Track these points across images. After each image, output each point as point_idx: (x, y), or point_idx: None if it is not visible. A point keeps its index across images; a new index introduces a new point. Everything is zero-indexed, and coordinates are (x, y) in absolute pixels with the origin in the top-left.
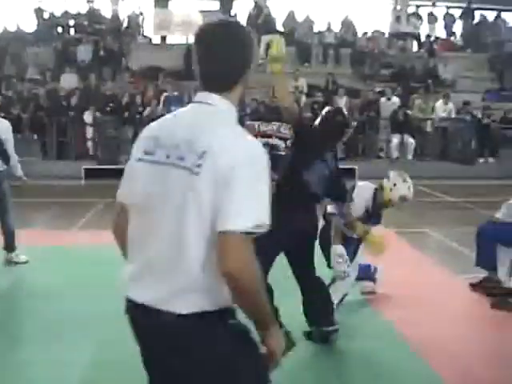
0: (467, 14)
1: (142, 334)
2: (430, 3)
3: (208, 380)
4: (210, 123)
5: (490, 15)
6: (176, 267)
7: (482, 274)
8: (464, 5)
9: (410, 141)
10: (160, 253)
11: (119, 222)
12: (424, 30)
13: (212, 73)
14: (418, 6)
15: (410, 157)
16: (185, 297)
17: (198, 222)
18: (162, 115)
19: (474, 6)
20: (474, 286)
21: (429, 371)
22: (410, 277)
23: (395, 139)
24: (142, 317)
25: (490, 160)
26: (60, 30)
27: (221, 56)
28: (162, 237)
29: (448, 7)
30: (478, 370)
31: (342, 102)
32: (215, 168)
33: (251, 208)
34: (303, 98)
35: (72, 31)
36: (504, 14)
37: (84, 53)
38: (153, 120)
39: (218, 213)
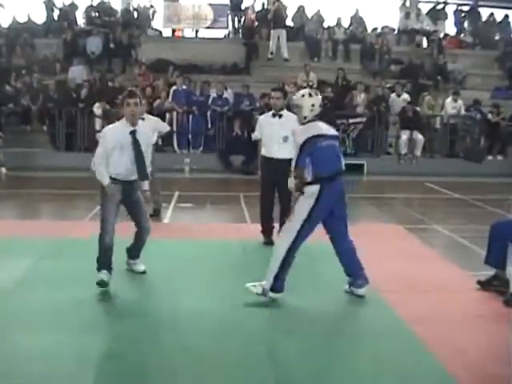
0: (474, 12)
1: None
2: (442, 1)
3: None
4: None
5: (499, 13)
6: None
7: (490, 271)
8: (472, 2)
9: (419, 137)
10: None
11: None
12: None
13: None
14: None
15: (418, 153)
16: None
17: None
18: (172, 108)
19: (482, 3)
20: (482, 284)
21: (441, 369)
22: (419, 273)
23: (404, 135)
24: None
25: (499, 157)
26: (70, 21)
27: None
28: None
29: (458, 4)
30: (492, 367)
31: (361, 97)
32: None
33: None
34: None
35: (82, 23)
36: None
37: (94, 45)
38: (162, 113)
39: None
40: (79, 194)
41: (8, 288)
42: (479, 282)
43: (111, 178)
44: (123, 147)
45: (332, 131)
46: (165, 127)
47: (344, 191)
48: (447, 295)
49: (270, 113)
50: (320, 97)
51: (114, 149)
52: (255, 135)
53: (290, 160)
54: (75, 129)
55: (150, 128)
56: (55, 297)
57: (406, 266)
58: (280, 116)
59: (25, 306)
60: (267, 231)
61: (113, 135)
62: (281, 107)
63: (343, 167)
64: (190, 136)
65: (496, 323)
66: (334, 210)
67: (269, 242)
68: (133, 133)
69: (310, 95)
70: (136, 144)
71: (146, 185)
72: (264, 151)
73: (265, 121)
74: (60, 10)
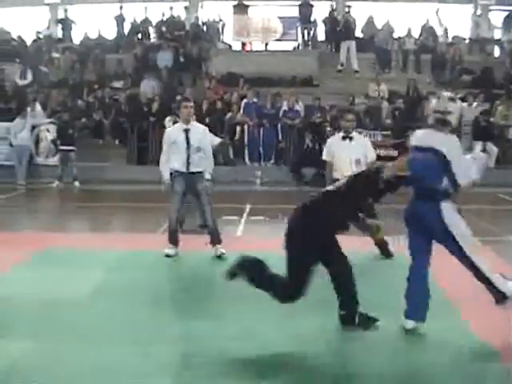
0: None
1: None
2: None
3: None
4: None
5: None
6: None
7: None
8: None
9: (493, 148)
10: None
11: None
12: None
13: None
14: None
15: (492, 165)
16: None
17: None
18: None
19: None
20: None
21: None
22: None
23: (478, 146)
24: None
25: None
26: (140, 36)
27: None
28: None
29: None
30: None
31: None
32: None
33: None
34: (385, 104)
35: (152, 38)
36: None
37: (164, 59)
38: (234, 125)
39: None
40: (151, 208)
41: (79, 300)
42: None
43: (174, 171)
44: (178, 144)
45: None
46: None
47: None
48: None
49: (340, 135)
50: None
51: (172, 145)
52: (324, 157)
53: None
54: (147, 142)
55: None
56: (125, 309)
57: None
58: (350, 139)
59: (95, 317)
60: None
61: (170, 134)
62: (352, 130)
63: None
64: (261, 148)
65: None
66: None
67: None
68: (186, 131)
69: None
70: (188, 140)
71: (207, 175)
72: (336, 174)
73: (335, 144)
74: (131, 25)
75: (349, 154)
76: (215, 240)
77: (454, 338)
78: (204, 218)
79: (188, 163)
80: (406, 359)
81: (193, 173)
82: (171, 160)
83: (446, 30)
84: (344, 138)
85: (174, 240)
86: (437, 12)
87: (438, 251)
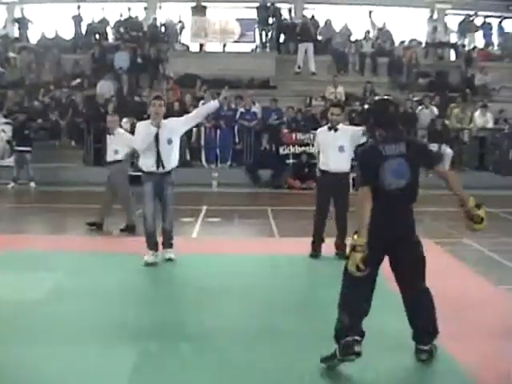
0: (504, 24)
1: None
2: (472, 13)
3: None
4: None
5: None
6: None
7: None
8: (502, 14)
9: (448, 151)
10: None
11: None
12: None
13: None
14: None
15: (447, 167)
16: None
17: None
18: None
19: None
20: None
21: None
22: (451, 287)
23: (433, 149)
24: None
25: None
26: (98, 37)
27: None
28: None
29: (485, 17)
30: None
31: None
32: None
33: None
34: None
35: (110, 38)
36: None
37: (122, 60)
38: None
39: None
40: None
41: (37, 300)
42: None
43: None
44: (148, 142)
45: None
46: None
47: None
48: (480, 309)
49: (326, 127)
50: None
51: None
52: (314, 149)
53: (347, 173)
54: (104, 143)
55: (119, 143)
56: (81, 310)
57: (434, 279)
58: (336, 130)
59: (52, 318)
60: (318, 244)
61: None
62: (338, 122)
63: None
64: (217, 150)
65: None
66: None
67: (315, 255)
68: (156, 129)
69: None
70: (157, 138)
71: None
72: (321, 164)
73: (321, 135)
74: (88, 25)
75: (333, 143)
76: (167, 244)
77: None
78: (164, 220)
79: (158, 163)
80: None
81: (163, 174)
82: (141, 159)
83: (379, 32)
84: (330, 128)
85: (152, 244)
86: (370, 14)
87: None
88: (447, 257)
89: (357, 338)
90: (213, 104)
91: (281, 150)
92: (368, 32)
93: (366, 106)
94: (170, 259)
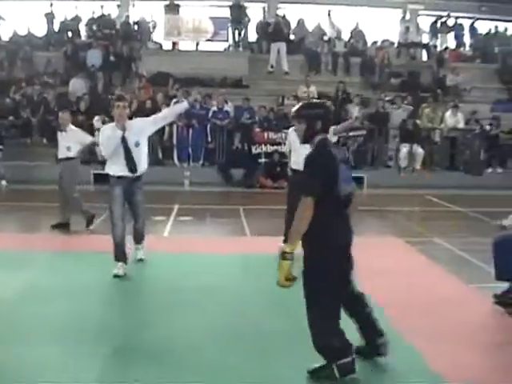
0: (476, 25)
1: None
2: (444, 14)
3: None
4: None
5: (500, 26)
6: None
7: (492, 284)
8: (474, 15)
9: (419, 150)
10: None
11: None
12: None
13: None
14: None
15: (418, 166)
16: None
17: None
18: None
19: (484, 16)
20: (498, 297)
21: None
22: (420, 286)
23: (404, 148)
24: None
25: (499, 170)
26: (70, 34)
27: None
28: None
29: (457, 17)
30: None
31: (355, 110)
32: None
33: None
34: None
35: (83, 36)
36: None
37: (94, 58)
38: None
39: None
40: None
41: (7, 300)
42: (496, 296)
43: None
44: (114, 146)
45: None
46: (85, 138)
47: None
48: (449, 307)
49: None
50: None
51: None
52: (285, 148)
53: None
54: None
55: (72, 140)
56: (52, 309)
57: (406, 279)
58: None
59: (23, 317)
60: None
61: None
62: None
63: None
64: (190, 149)
65: (502, 335)
66: None
67: None
68: (121, 132)
69: None
70: (124, 141)
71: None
72: (292, 163)
73: (292, 134)
74: (61, 23)
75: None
76: (137, 239)
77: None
78: (136, 221)
79: (130, 167)
80: None
81: (133, 178)
82: (108, 163)
83: (339, 32)
84: None
85: (120, 254)
86: (329, 14)
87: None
88: (418, 256)
89: (354, 357)
90: (182, 106)
91: (253, 149)
92: (325, 33)
93: (314, 111)
94: (140, 259)
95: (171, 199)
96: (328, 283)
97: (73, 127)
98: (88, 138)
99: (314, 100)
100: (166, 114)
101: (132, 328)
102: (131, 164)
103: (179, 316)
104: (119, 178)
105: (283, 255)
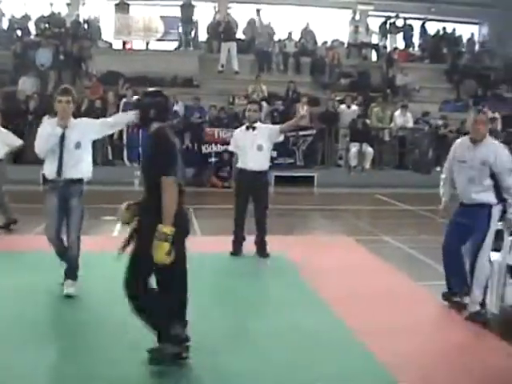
0: (425, 26)
1: None
2: (393, 14)
3: None
4: None
5: (448, 27)
6: None
7: (440, 281)
8: (423, 16)
9: (369, 150)
10: None
11: None
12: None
13: None
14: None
15: (367, 165)
16: None
17: None
18: None
19: (432, 17)
20: (446, 295)
21: (389, 378)
22: (370, 284)
23: (354, 148)
24: None
25: None
26: (19, 32)
27: None
28: None
29: (406, 18)
30: (443, 374)
31: (304, 109)
32: None
33: None
34: (264, 104)
35: (32, 34)
36: (461, 27)
37: (44, 57)
38: None
39: None
40: (27, 208)
41: None
42: (444, 295)
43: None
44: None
45: None
46: (14, 141)
47: None
48: (399, 305)
49: (244, 126)
50: None
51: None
52: (231, 148)
53: (266, 172)
54: (24, 141)
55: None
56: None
57: (355, 276)
58: (254, 128)
59: None
60: (238, 242)
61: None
62: (255, 120)
63: None
64: (140, 149)
65: (452, 333)
66: None
67: (236, 253)
68: (62, 130)
69: None
70: (63, 141)
71: None
72: (240, 163)
73: (239, 134)
74: (10, 20)
75: (251, 142)
76: (71, 275)
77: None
78: (68, 241)
79: (59, 169)
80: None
81: (67, 182)
82: (45, 163)
83: (272, 30)
84: (247, 127)
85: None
86: (258, 12)
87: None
88: (368, 254)
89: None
90: (130, 117)
91: (203, 149)
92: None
93: (147, 99)
94: (68, 296)
95: (121, 199)
96: None
97: (2, 129)
98: (18, 141)
99: (151, 89)
100: (115, 123)
101: (74, 328)
102: (60, 166)
103: (125, 314)
104: (52, 182)
105: (166, 237)
